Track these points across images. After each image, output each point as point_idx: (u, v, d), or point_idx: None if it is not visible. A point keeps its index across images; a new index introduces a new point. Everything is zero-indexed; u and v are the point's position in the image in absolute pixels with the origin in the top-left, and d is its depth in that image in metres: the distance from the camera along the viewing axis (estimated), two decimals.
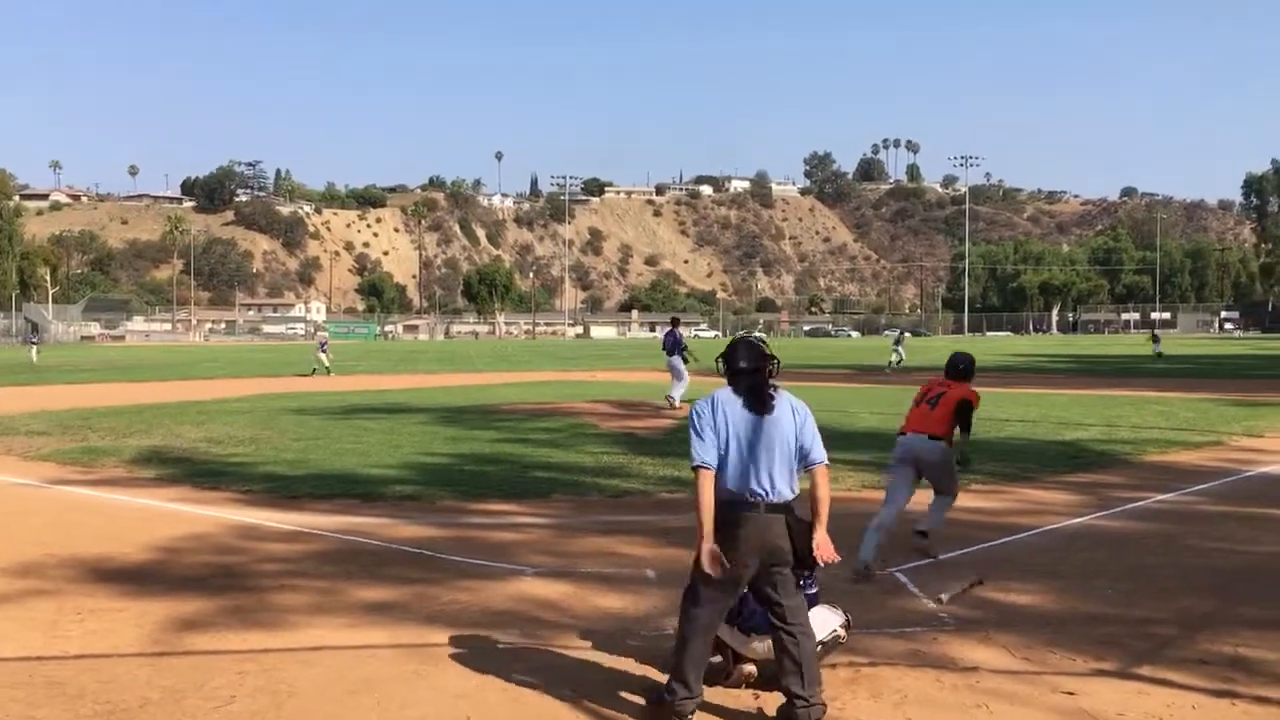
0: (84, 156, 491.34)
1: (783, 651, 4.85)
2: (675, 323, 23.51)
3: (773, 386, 4.93)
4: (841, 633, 5.50)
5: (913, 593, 7.12)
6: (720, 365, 5.04)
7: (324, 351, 38.61)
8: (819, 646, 5.31)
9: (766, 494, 4.78)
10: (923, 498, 8.32)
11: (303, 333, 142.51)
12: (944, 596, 6.89)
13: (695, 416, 4.90)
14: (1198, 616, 6.52)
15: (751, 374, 4.89)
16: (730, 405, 4.86)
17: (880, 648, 5.90)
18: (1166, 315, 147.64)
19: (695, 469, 4.80)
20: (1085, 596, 7.01)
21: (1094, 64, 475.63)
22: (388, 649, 5.93)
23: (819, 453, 4.95)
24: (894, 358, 41.99)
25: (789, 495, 4.84)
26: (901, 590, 7.21)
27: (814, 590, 5.48)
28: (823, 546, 4.89)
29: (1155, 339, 56.13)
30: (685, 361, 21.64)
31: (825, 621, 5.44)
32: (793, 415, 4.92)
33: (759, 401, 4.85)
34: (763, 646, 5.22)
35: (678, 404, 20.70)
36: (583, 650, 5.88)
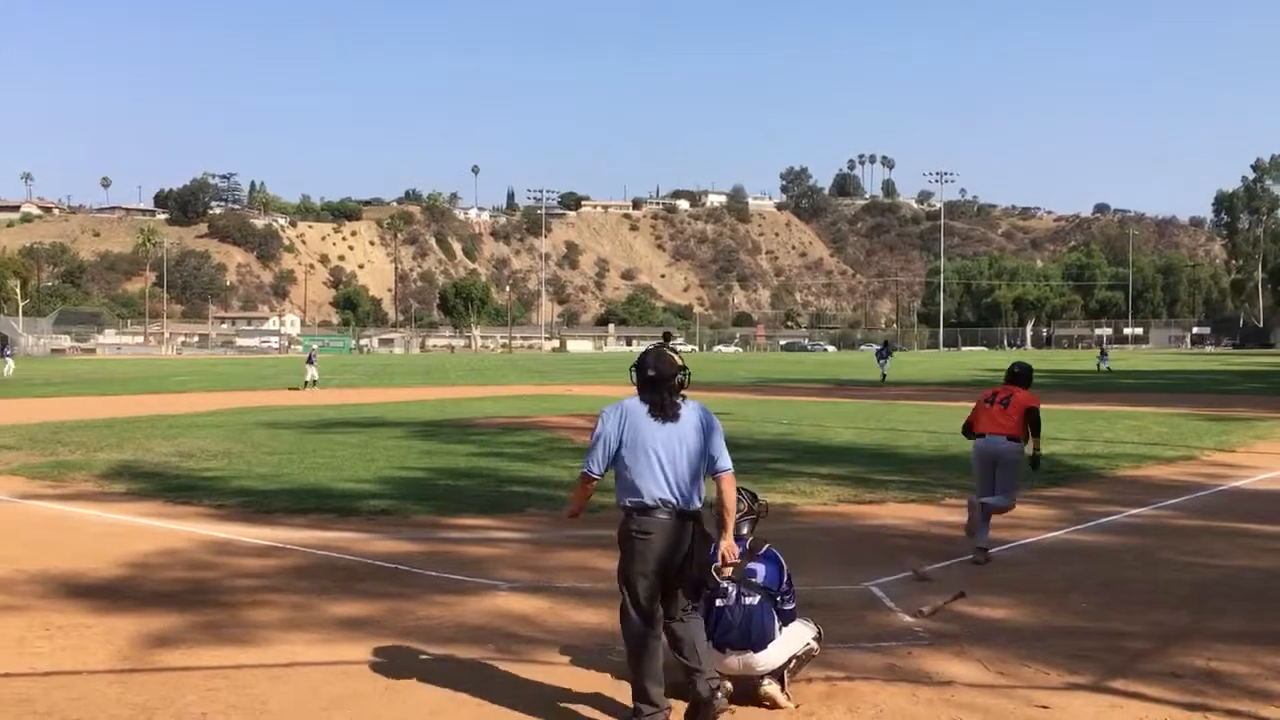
0: (56, 168, 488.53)
1: (669, 634, 4.97)
2: (668, 337, 23.77)
3: (681, 396, 5.01)
4: (814, 645, 5.50)
5: (889, 607, 7.13)
6: (632, 375, 5.10)
7: (312, 364, 38.39)
8: (793, 660, 5.33)
9: (675, 501, 4.88)
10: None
11: (276, 346, 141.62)
12: (925, 610, 6.90)
13: (599, 422, 5.05)
14: (1171, 630, 6.56)
15: (659, 383, 4.96)
16: (636, 414, 4.97)
17: (856, 662, 5.90)
18: (1139, 330, 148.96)
19: (582, 472, 5.08)
20: (1059, 610, 7.04)
21: (1067, 81, 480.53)
22: (361, 665, 5.89)
23: (725, 461, 5.03)
24: (880, 367, 42.97)
25: (697, 503, 4.95)
26: (877, 604, 7.22)
27: (791, 606, 5.49)
28: (728, 552, 5.06)
29: (1103, 354, 58.70)
30: None
31: (798, 634, 5.45)
32: (699, 424, 4.98)
33: (664, 410, 4.94)
34: (737, 662, 5.23)
35: None
36: (558, 666, 5.86)
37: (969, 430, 9.10)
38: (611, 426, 4.97)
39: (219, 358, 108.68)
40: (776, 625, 5.32)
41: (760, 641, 5.22)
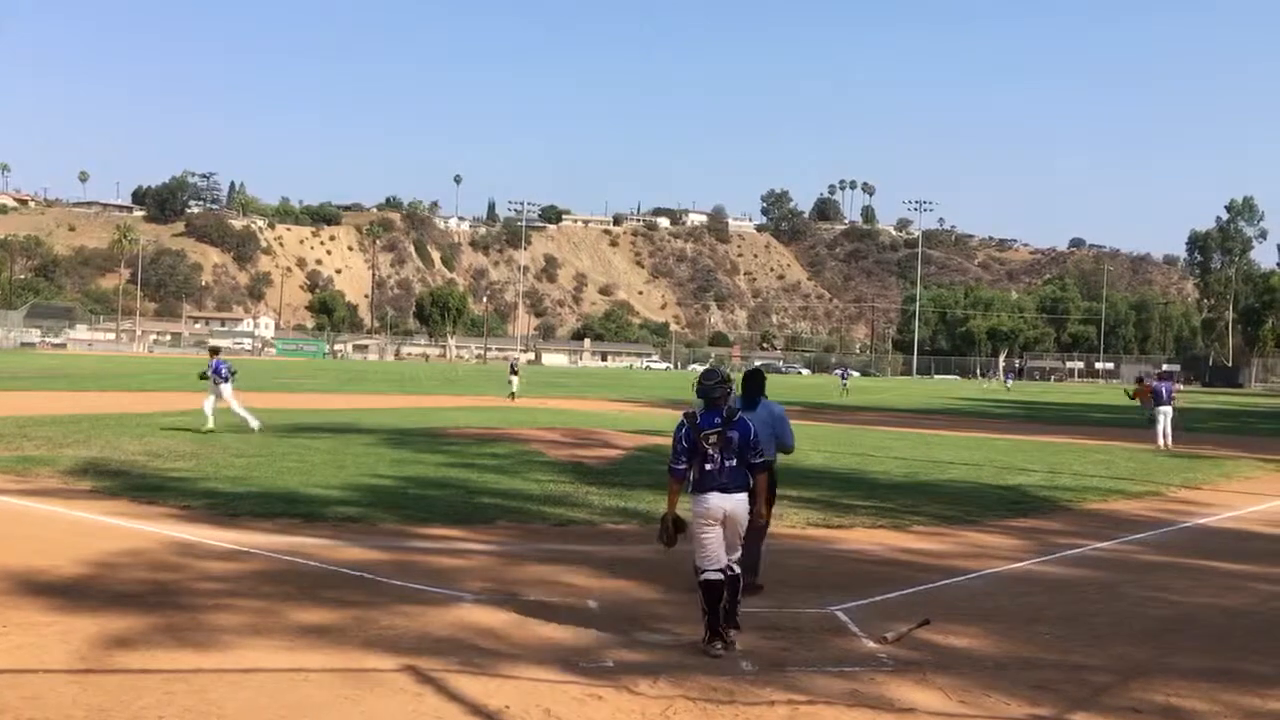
0: (33, 160, 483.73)
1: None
2: (215, 352, 22.16)
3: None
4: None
5: (853, 632, 7.13)
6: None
7: (516, 375, 38.19)
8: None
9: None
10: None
11: (249, 348, 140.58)
12: (889, 636, 6.91)
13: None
14: (1133, 664, 6.60)
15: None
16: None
17: (819, 686, 5.90)
18: (1110, 365, 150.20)
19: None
20: (1023, 641, 7.07)
21: (1045, 116, 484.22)
22: (322, 673, 5.84)
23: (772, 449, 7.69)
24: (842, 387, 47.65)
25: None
26: (842, 629, 7.22)
27: (762, 460, 6.85)
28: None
29: (1007, 376, 65.29)
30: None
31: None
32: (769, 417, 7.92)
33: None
34: (728, 503, 6.68)
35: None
36: (522, 680, 5.82)
37: None
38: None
39: (191, 357, 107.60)
40: (749, 480, 6.76)
41: (741, 487, 6.72)
